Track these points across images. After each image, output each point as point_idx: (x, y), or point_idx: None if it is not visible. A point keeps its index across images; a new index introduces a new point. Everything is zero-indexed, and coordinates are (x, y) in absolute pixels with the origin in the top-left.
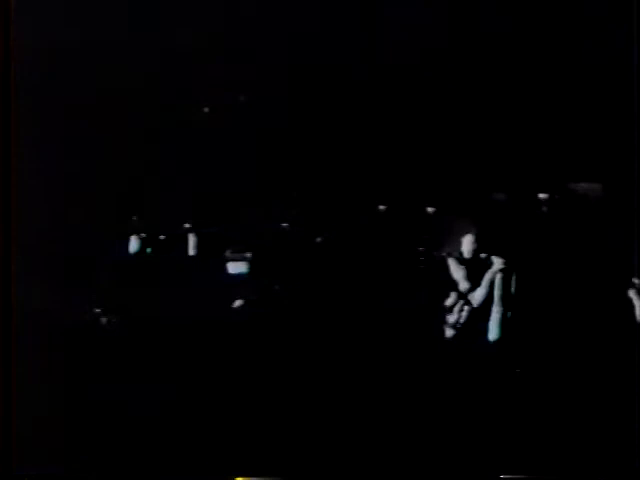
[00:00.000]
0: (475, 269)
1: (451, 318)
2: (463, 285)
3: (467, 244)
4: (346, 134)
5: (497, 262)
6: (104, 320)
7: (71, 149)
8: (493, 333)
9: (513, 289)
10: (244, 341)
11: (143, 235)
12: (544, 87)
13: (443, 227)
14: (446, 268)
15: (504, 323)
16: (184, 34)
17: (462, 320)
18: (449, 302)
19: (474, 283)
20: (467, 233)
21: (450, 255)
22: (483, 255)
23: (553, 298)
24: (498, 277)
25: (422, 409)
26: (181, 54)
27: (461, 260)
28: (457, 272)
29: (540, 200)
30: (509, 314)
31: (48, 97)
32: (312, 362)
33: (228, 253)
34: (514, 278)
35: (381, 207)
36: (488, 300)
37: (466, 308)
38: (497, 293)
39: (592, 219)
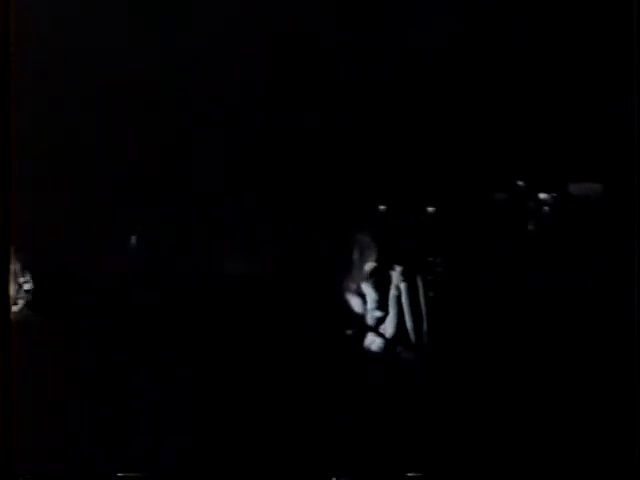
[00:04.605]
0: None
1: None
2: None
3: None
4: (345, 134)
5: (396, 276)
6: (103, 320)
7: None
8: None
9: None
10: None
11: (142, 234)
12: (544, 87)
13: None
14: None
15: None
16: (184, 33)
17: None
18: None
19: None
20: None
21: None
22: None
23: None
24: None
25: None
26: (180, 54)
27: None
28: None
29: (540, 200)
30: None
31: (47, 96)
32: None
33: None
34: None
35: (381, 207)
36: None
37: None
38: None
39: (592, 219)
